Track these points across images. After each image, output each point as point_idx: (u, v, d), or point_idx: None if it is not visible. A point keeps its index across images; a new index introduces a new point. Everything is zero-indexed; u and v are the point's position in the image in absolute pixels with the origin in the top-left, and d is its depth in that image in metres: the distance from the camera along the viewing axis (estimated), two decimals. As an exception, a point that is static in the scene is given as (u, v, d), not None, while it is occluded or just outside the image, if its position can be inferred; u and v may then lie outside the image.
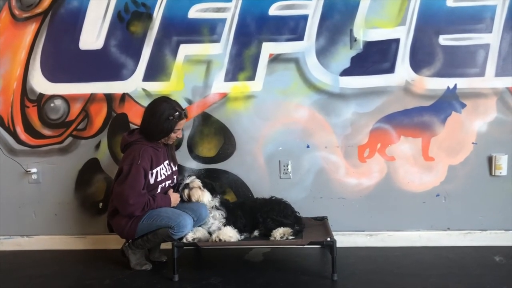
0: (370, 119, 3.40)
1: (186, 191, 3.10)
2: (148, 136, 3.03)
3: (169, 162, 3.17)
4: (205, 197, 3.09)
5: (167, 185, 3.11)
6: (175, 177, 3.20)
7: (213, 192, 3.15)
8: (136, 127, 3.44)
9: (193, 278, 2.95)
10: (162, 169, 3.08)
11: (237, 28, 3.41)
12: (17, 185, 3.63)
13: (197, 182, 3.11)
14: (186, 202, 3.10)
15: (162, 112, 2.98)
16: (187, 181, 3.12)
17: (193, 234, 2.95)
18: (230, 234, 2.93)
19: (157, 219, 2.93)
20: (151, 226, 2.95)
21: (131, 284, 2.90)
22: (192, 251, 3.37)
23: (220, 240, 2.90)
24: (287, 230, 2.94)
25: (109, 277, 3.01)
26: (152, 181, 3.00)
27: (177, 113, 2.99)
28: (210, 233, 3.00)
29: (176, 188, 3.16)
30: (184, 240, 2.93)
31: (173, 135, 3.05)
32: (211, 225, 3.04)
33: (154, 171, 3.02)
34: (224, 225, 3.01)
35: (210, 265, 3.21)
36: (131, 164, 2.92)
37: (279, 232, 2.92)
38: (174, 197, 3.08)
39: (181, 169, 3.45)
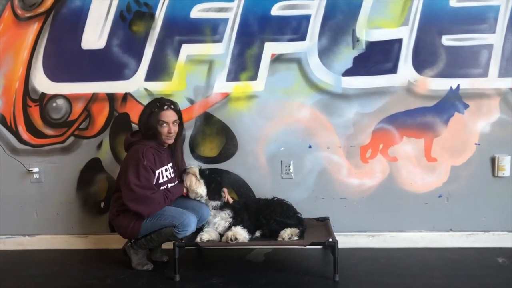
0: (373, 120, 3.39)
1: (183, 176, 3.11)
2: (143, 135, 3.03)
3: (173, 165, 3.16)
4: (199, 187, 3.06)
5: (169, 187, 3.10)
6: (177, 181, 3.20)
7: (218, 192, 3.13)
8: (137, 127, 3.46)
9: (194, 278, 2.95)
10: (166, 171, 3.07)
11: (239, 28, 3.40)
12: (19, 184, 3.63)
13: (195, 169, 3.08)
14: (186, 199, 3.10)
15: (147, 106, 3.06)
16: (186, 167, 3.14)
17: (208, 236, 2.94)
18: (245, 235, 2.93)
19: (160, 218, 2.93)
20: (155, 225, 2.95)
21: (133, 284, 2.90)
22: (194, 251, 3.36)
23: (236, 239, 2.88)
24: (295, 230, 2.94)
25: (110, 277, 3.01)
26: (154, 181, 2.99)
27: (159, 103, 3.00)
28: (220, 234, 3.01)
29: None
30: (198, 240, 2.92)
31: (161, 129, 2.99)
32: (218, 225, 3.04)
33: (157, 171, 3.01)
34: (234, 225, 2.99)
35: (212, 265, 3.21)
36: (137, 165, 2.90)
37: (287, 233, 2.91)
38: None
39: (183, 169, 3.44)
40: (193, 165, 3.18)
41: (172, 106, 3.04)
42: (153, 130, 3.00)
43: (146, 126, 3.01)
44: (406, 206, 3.42)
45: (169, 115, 3.01)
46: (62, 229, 3.63)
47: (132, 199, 2.89)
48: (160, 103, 3.01)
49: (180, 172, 3.18)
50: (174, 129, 3.04)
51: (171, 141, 3.08)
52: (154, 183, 2.98)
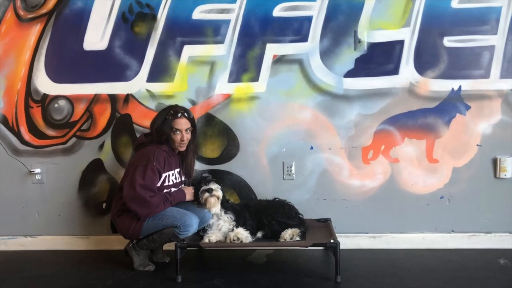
0: (374, 121, 3.40)
1: (206, 194, 3.02)
2: (156, 139, 3.04)
3: (180, 171, 3.17)
4: (214, 207, 3.05)
5: (171, 191, 3.09)
6: (182, 186, 3.19)
7: (224, 204, 3.13)
8: (139, 128, 3.48)
9: (196, 279, 2.94)
10: (172, 175, 3.09)
11: (241, 29, 3.41)
12: (21, 185, 3.63)
13: (219, 194, 3.05)
14: (193, 204, 3.09)
15: (161, 113, 3.07)
16: (213, 187, 3.04)
17: (216, 237, 2.95)
18: (246, 235, 2.94)
19: (162, 219, 2.93)
20: (157, 225, 2.95)
21: (134, 284, 2.90)
22: (195, 252, 3.36)
23: (238, 239, 2.89)
24: (296, 230, 2.94)
25: (111, 278, 3.01)
26: (159, 184, 3.00)
27: (173, 111, 3.02)
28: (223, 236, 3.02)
29: (194, 182, 3.16)
30: (207, 241, 2.93)
31: (174, 136, 3.03)
32: (221, 227, 3.04)
33: (165, 174, 3.02)
34: (237, 227, 3.00)
35: (213, 266, 3.21)
36: (146, 165, 2.92)
37: (288, 233, 2.92)
38: (189, 191, 3.09)
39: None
40: (217, 185, 3.08)
41: (185, 114, 3.07)
42: (166, 136, 3.03)
43: (159, 132, 3.03)
44: (407, 207, 3.41)
45: (182, 123, 3.04)
46: (63, 230, 3.63)
47: (131, 197, 2.90)
48: (174, 111, 3.04)
49: (194, 179, 3.18)
50: (187, 136, 3.07)
51: (183, 149, 3.11)
52: (159, 185, 2.99)
